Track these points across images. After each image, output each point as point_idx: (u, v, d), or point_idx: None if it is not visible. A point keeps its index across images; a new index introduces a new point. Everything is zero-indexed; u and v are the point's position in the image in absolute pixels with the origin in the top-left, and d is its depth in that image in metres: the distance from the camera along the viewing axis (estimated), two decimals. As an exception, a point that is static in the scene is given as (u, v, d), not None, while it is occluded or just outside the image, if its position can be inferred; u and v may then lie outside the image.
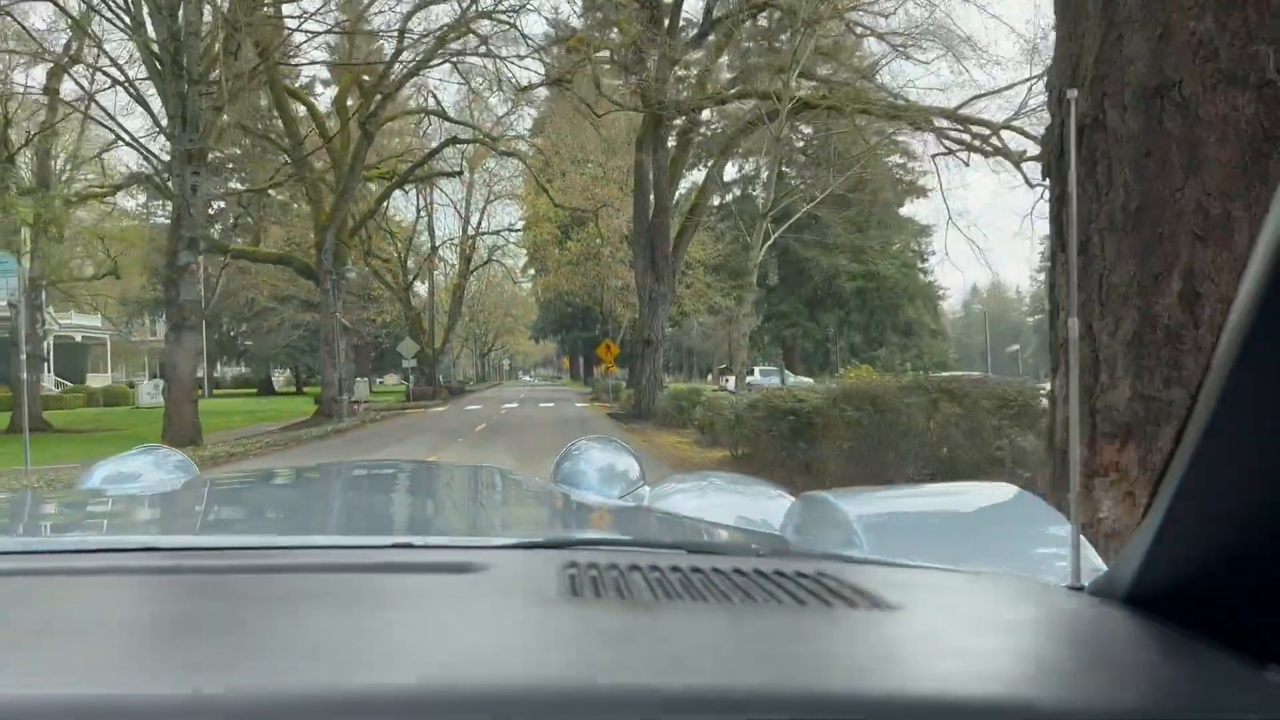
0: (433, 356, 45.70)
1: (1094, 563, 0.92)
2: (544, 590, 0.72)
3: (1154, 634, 0.65)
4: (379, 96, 26.18)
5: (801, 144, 55.72)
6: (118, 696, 0.47)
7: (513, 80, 25.74)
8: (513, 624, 0.65)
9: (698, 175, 39.03)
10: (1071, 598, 0.78)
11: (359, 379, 50.16)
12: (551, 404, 35.63)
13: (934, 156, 25.29)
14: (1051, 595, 0.80)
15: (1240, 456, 0.56)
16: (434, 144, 36.31)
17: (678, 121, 24.45)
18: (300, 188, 28.04)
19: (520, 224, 47.19)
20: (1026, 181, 22.92)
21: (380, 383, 64.37)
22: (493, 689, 0.49)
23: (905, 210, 55.42)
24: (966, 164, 23.12)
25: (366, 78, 27.51)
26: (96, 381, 49.22)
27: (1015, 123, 21.97)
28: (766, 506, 1.67)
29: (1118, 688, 0.54)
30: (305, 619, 0.64)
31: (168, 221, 21.86)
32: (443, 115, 30.39)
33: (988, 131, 22.49)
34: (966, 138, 23.08)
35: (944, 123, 22.97)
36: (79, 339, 50.18)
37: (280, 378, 67.36)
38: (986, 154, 23.74)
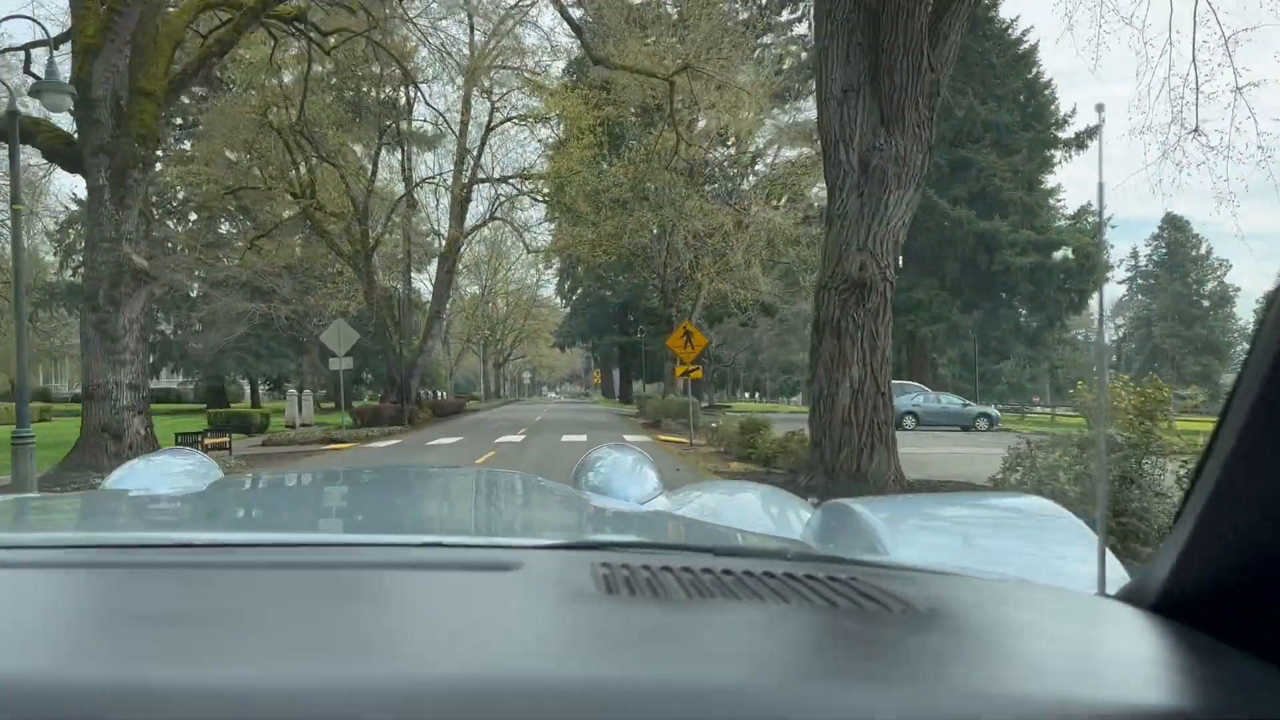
0: (399, 355, 30.40)
1: (1119, 572, 0.92)
2: (580, 589, 0.73)
3: (1184, 640, 0.65)
4: None
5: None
6: (166, 682, 0.48)
7: None
8: (552, 620, 0.66)
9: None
10: (1100, 604, 0.79)
11: (293, 391, 35.10)
12: (582, 437, 20.05)
13: None
14: (1079, 602, 0.81)
15: (1269, 469, 0.58)
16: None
17: None
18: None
19: (536, 160, 31.94)
20: None
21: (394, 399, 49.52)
22: (538, 682, 0.49)
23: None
24: None
25: None
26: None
27: None
28: (787, 514, 1.68)
29: (1152, 692, 0.55)
30: (346, 614, 0.65)
31: None
32: None
33: None
34: None
35: None
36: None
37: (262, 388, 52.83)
38: None
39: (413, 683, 0.48)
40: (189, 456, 2.07)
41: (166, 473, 1.89)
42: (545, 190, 31.05)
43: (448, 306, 44.40)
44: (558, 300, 65.99)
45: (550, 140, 30.84)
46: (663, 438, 20.52)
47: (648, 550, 0.92)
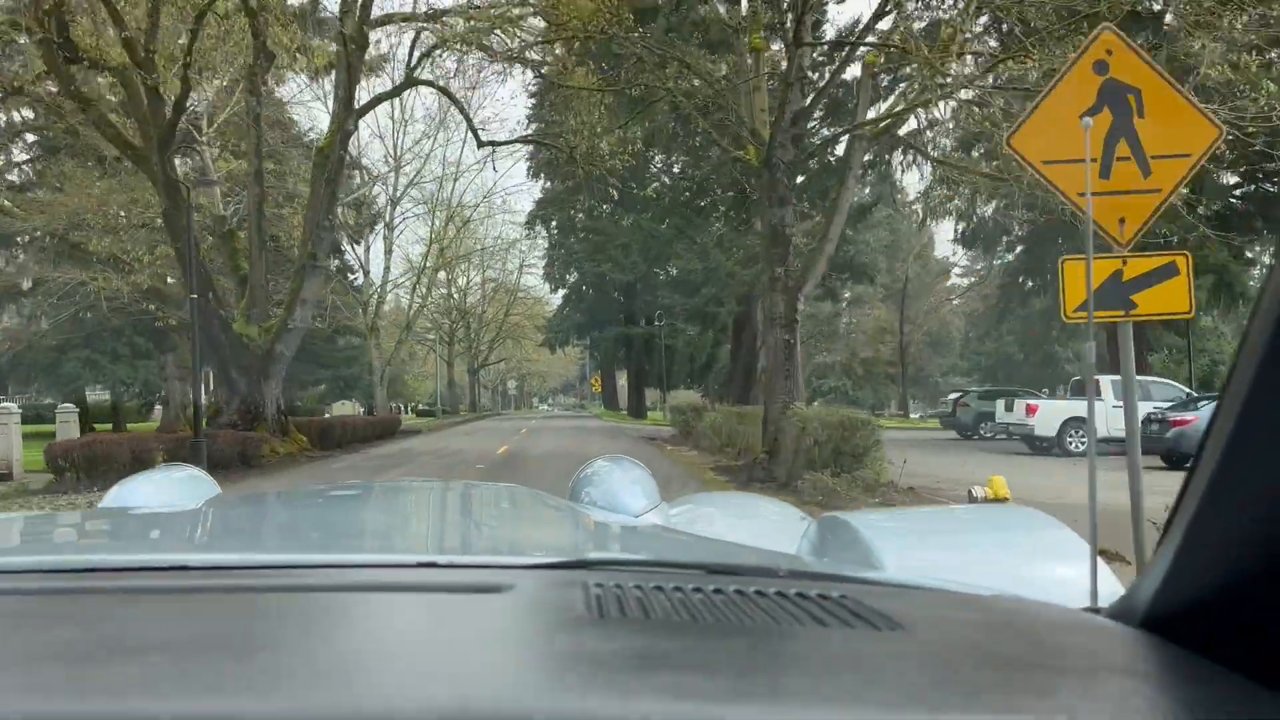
0: (224, 333, 15.62)
1: (1111, 585, 0.92)
2: (570, 611, 0.73)
3: (1171, 658, 0.65)
4: None
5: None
6: (152, 716, 0.48)
7: None
8: (539, 645, 0.66)
9: None
10: (1089, 621, 0.79)
11: (9, 406, 19.59)
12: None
13: None
14: (1069, 619, 0.80)
15: (1257, 481, 0.57)
16: None
17: None
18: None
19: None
20: None
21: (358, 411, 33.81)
22: (519, 712, 0.49)
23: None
24: None
25: None
26: None
27: None
28: (784, 527, 1.65)
29: (1135, 712, 0.55)
30: (334, 640, 0.66)
31: None
32: None
33: None
34: None
35: None
36: None
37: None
38: None
39: (396, 713, 0.48)
40: (185, 472, 2.05)
41: (163, 490, 1.89)
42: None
43: (382, 269, 29.65)
44: (545, 287, 51.44)
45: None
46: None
47: (640, 569, 0.92)
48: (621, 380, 61.22)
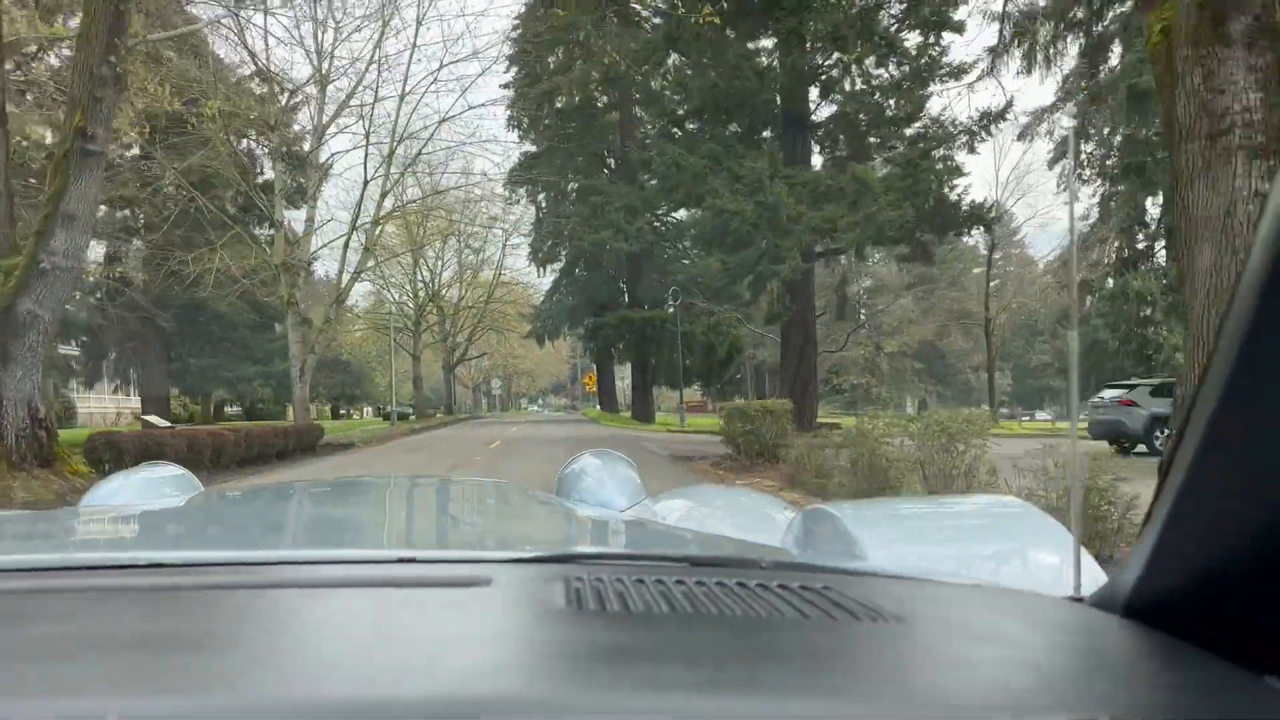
0: None
1: (1095, 573, 0.93)
2: (548, 605, 0.73)
3: (1154, 645, 0.66)
4: None
5: None
6: (126, 714, 0.48)
7: None
8: (516, 639, 0.67)
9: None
10: (1072, 609, 0.80)
11: None
12: None
13: None
14: (1051, 607, 0.81)
15: (1238, 467, 0.57)
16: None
17: None
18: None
19: None
20: None
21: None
22: (492, 704, 0.49)
23: None
24: None
25: None
26: None
27: None
28: (769, 519, 1.66)
29: (1117, 699, 0.54)
30: (309, 635, 0.66)
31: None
32: None
33: None
34: None
35: None
36: None
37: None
38: None
39: (367, 706, 0.48)
40: (167, 471, 2.05)
41: (145, 488, 1.89)
42: None
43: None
44: (532, 272, 43.47)
45: None
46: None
47: (621, 562, 0.93)
48: (621, 378, 53.33)
